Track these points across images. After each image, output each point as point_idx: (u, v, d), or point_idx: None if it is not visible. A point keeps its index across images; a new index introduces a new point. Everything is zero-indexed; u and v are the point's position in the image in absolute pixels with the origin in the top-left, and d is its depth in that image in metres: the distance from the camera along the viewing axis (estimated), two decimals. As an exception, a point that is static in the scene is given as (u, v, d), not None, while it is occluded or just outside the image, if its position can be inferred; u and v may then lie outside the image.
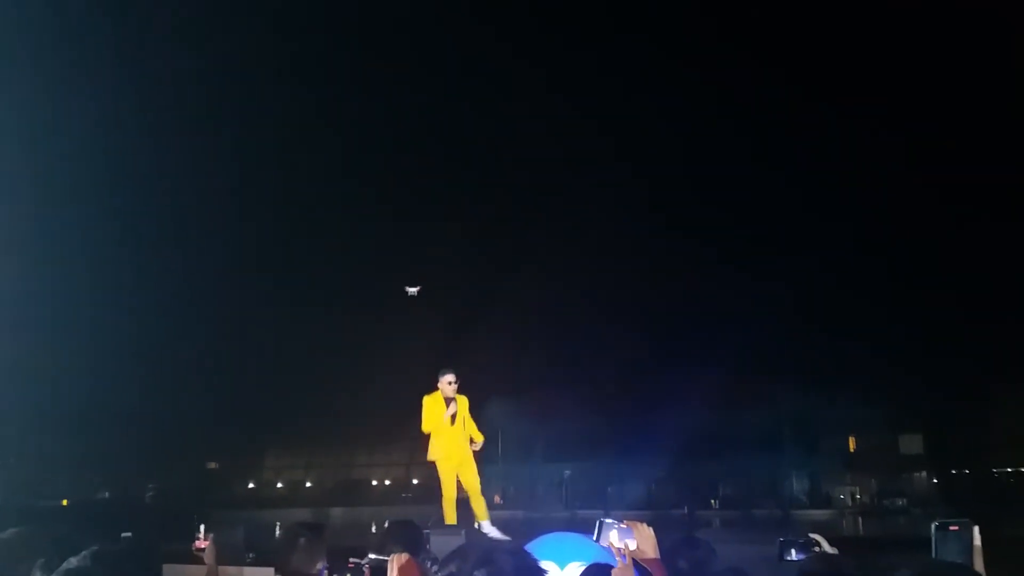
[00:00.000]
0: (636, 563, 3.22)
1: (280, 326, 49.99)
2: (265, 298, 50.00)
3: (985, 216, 42.30)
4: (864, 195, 46.31)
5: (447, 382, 9.26)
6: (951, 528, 3.37)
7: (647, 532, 3.33)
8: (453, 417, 9.23)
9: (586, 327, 46.99)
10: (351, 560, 3.97)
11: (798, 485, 49.32)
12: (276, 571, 4.15)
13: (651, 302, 47.58)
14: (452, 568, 2.41)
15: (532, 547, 5.25)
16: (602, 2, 49.24)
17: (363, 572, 3.72)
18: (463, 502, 9.57)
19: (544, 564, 2.68)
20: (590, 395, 44.43)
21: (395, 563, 3.01)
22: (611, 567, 3.28)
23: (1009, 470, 51.32)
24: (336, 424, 52.63)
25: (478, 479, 9.39)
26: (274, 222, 50.44)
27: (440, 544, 6.48)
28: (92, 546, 2.72)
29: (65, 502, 41.12)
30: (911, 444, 50.38)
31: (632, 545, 3.27)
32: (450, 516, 9.23)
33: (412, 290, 45.52)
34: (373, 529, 17.31)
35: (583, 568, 3.78)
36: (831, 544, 3.98)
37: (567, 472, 46.27)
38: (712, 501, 45.80)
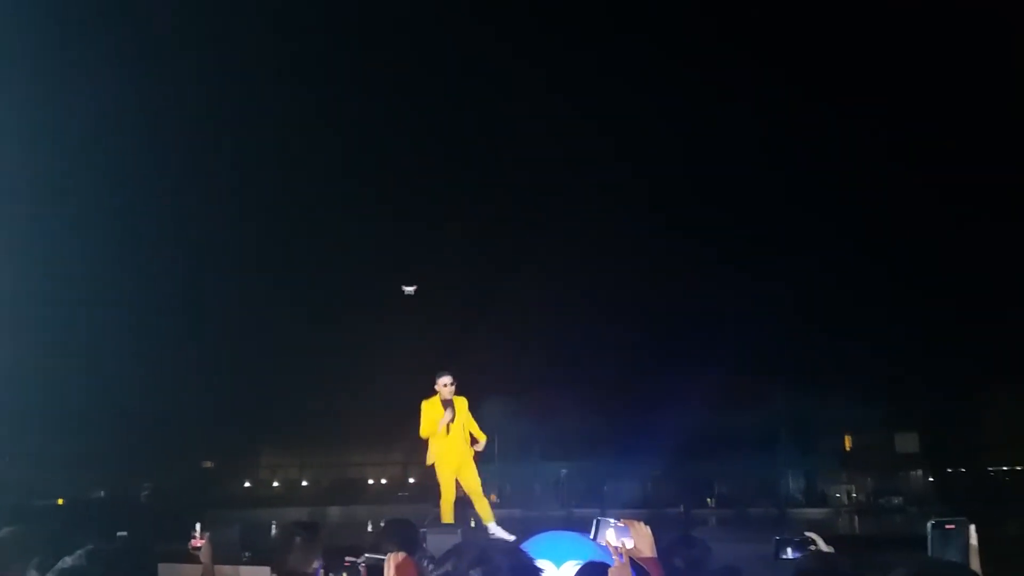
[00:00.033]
0: (633, 562, 3.22)
1: (277, 325, 49.98)
2: (262, 297, 49.94)
3: (982, 216, 42.38)
4: (864, 195, 46.37)
5: (443, 384, 9.26)
6: (947, 527, 3.37)
7: (644, 531, 3.33)
8: (449, 426, 9.23)
9: (585, 327, 46.99)
10: (347, 559, 3.97)
11: (794, 484, 49.39)
12: (272, 570, 4.15)
13: (651, 302, 47.60)
14: (448, 567, 2.41)
15: (528, 546, 5.24)
16: (602, 2, 49.22)
17: (359, 571, 3.72)
18: (461, 503, 9.57)
19: (540, 563, 2.67)
20: (587, 394, 44.43)
21: (392, 562, 3.00)
22: (607, 565, 3.28)
23: (1005, 469, 51.45)
24: (332, 423, 52.59)
25: (479, 481, 9.39)
26: (273, 221, 50.38)
27: (436, 543, 6.49)
28: (87, 545, 2.71)
29: (60, 501, 41.05)
30: (907, 443, 50.46)
31: (629, 544, 3.27)
32: (447, 516, 9.24)
33: (409, 289, 45.48)
34: (369, 528, 17.30)
35: (579, 567, 3.78)
36: (827, 542, 3.98)
37: (564, 471, 46.31)
38: (708, 500, 45.85)
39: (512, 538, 8.37)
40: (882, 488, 47.91)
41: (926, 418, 48.91)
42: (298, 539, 4.11)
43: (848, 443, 51.35)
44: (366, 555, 3.58)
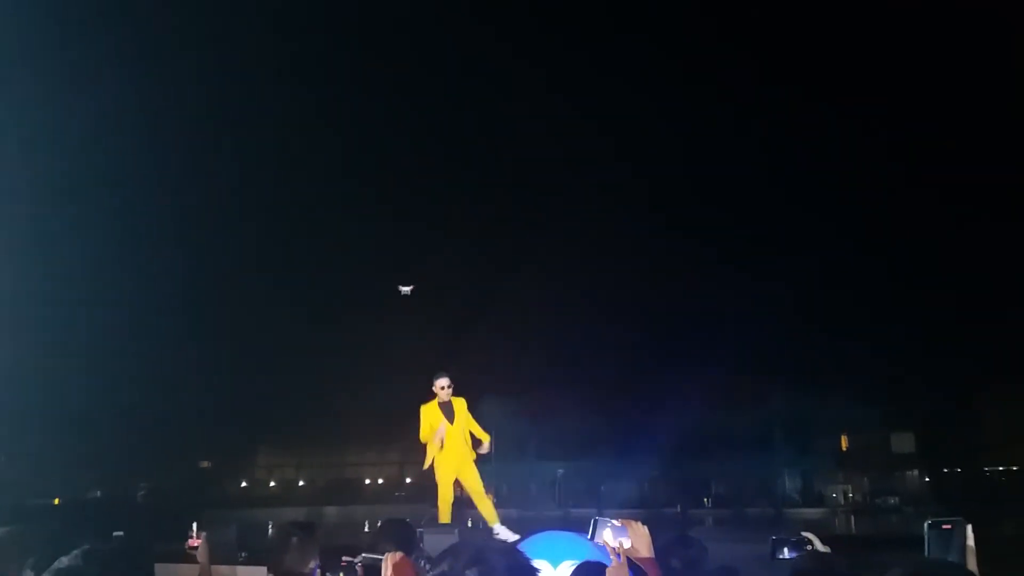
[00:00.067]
0: (630, 562, 3.22)
1: (274, 326, 49.94)
2: (261, 298, 49.93)
3: (981, 216, 42.45)
4: (864, 195, 46.42)
5: (441, 387, 9.23)
6: (944, 527, 3.37)
7: (642, 531, 3.33)
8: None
9: (584, 327, 46.99)
10: (344, 559, 3.96)
11: (790, 483, 49.42)
12: (269, 570, 4.14)
13: (651, 302, 47.61)
14: (444, 567, 2.40)
15: (525, 546, 5.24)
16: (602, 2, 49.24)
17: (356, 571, 3.71)
18: (458, 503, 9.56)
19: (537, 563, 2.67)
20: (585, 394, 44.44)
21: (389, 561, 3.00)
22: (604, 565, 3.28)
23: (1001, 469, 51.52)
24: (330, 423, 52.58)
25: (480, 481, 9.35)
26: (271, 221, 50.38)
27: (433, 543, 6.48)
28: (83, 545, 2.71)
29: (56, 501, 41.00)
30: (903, 443, 50.50)
31: (627, 544, 3.27)
32: (444, 516, 9.21)
33: (405, 289, 45.46)
34: (366, 528, 17.28)
35: (576, 566, 3.77)
36: (823, 542, 3.98)
37: (560, 471, 46.31)
38: (705, 500, 45.86)
39: (516, 538, 8.37)
40: (878, 488, 47.94)
41: (922, 418, 48.96)
42: (295, 539, 4.10)
43: (844, 443, 51.39)
44: (363, 555, 3.58)
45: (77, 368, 39.10)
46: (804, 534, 4.00)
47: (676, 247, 47.44)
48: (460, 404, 9.33)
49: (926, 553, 3.36)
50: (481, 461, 9.51)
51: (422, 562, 3.99)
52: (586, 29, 51.96)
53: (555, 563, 5.05)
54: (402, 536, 4.38)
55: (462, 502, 9.77)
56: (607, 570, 3.20)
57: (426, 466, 9.41)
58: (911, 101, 43.48)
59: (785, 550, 3.92)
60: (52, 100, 36.59)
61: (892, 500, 44.90)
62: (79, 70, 38.46)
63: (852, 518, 39.21)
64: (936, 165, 44.32)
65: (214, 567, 5.16)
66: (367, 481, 61.11)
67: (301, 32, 48.04)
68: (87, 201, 40.28)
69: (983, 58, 41.60)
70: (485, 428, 9.56)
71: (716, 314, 45.24)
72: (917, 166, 43.99)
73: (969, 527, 3.36)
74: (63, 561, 2.62)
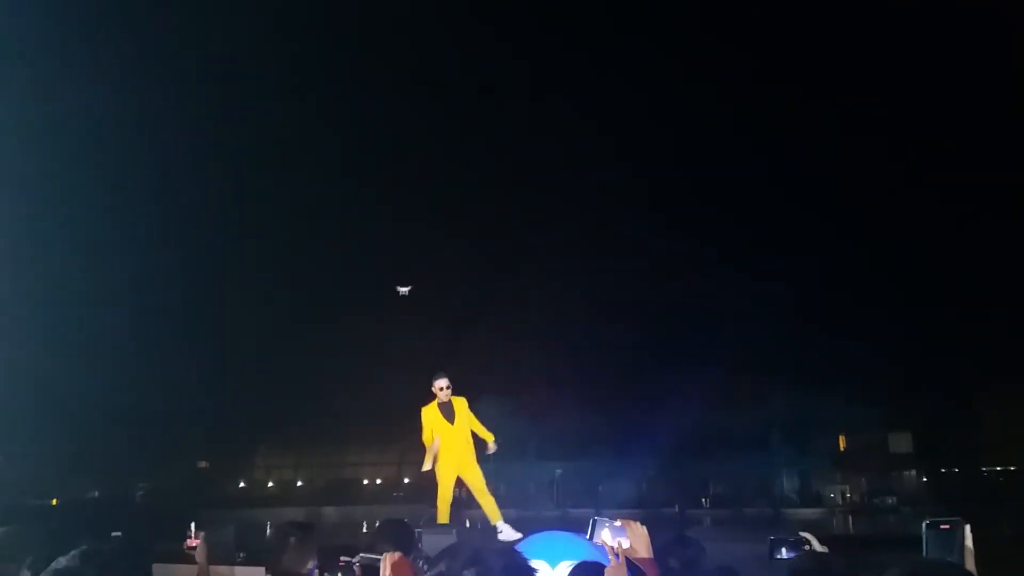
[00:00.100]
0: (629, 562, 3.22)
1: (273, 326, 49.94)
2: (259, 298, 49.93)
3: (980, 216, 42.45)
4: (864, 195, 46.40)
5: (440, 387, 9.22)
6: (942, 527, 3.37)
7: (640, 531, 3.33)
8: (450, 426, 9.21)
9: (583, 327, 46.96)
10: (342, 559, 3.96)
11: (789, 484, 49.43)
12: (267, 570, 4.14)
13: (651, 302, 47.59)
14: (441, 567, 2.41)
15: (523, 546, 5.24)
16: (602, 2, 49.23)
17: (354, 571, 3.71)
18: (456, 503, 9.55)
19: (535, 563, 2.67)
20: (583, 394, 44.44)
21: (388, 561, 3.00)
22: (602, 565, 3.28)
23: (999, 469, 51.53)
24: (328, 423, 52.56)
25: (483, 479, 9.35)
26: (269, 221, 50.32)
27: (432, 543, 6.47)
28: (81, 545, 2.71)
29: (55, 501, 40.97)
30: (901, 443, 50.55)
31: (625, 544, 3.27)
32: (443, 516, 9.21)
33: (403, 290, 45.37)
34: (365, 528, 17.28)
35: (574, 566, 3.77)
36: (821, 542, 3.99)
37: (559, 471, 46.29)
38: (703, 500, 45.88)
39: (519, 536, 8.37)
40: (876, 488, 47.97)
41: (920, 418, 48.97)
42: (293, 539, 4.10)
43: (842, 443, 51.41)
44: (361, 555, 3.57)
45: (75, 368, 39.06)
46: (802, 534, 4.00)
47: (676, 247, 47.44)
48: (461, 404, 9.32)
49: (924, 553, 3.36)
50: (480, 460, 9.51)
51: (420, 562, 3.99)
52: (586, 29, 51.97)
53: (553, 563, 5.04)
54: (400, 536, 4.38)
55: (461, 502, 9.77)
56: (606, 570, 3.20)
57: (425, 468, 9.41)
58: (911, 101, 43.54)
59: (783, 550, 3.92)
60: (51, 99, 36.57)
61: (890, 500, 44.93)
62: (77, 69, 38.46)
63: (850, 518, 39.25)
64: (936, 165, 44.32)
65: (212, 567, 5.15)
66: (365, 481, 61.09)
67: (300, 32, 48.03)
68: (85, 201, 40.27)
69: (983, 58, 41.65)
70: (485, 427, 9.56)
71: (716, 314, 45.26)
72: (917, 166, 44.01)
73: (967, 527, 3.36)
74: (61, 561, 2.63)
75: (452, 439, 9.21)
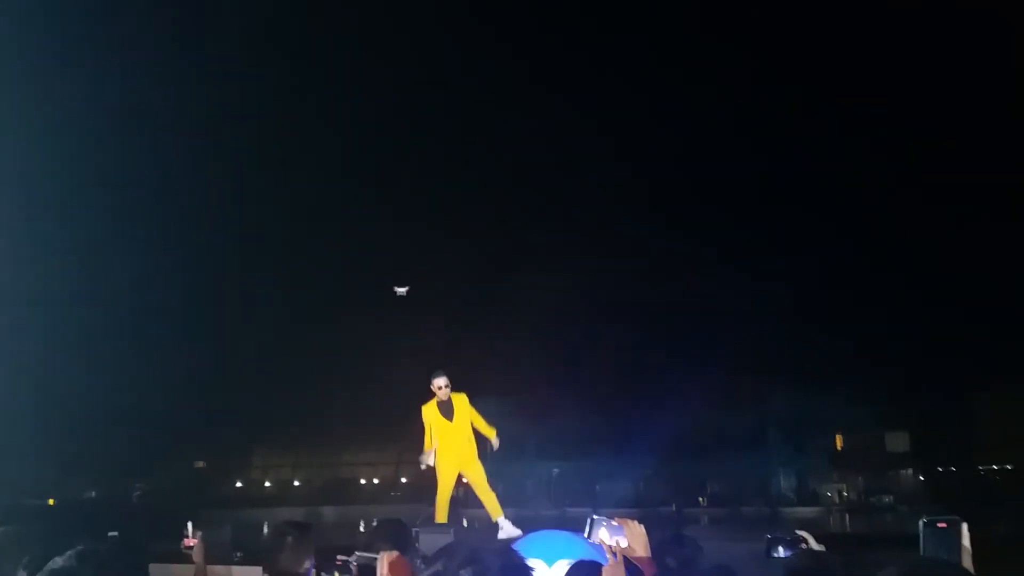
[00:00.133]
0: (627, 561, 3.22)
1: (270, 325, 49.91)
2: (256, 297, 49.91)
3: (979, 216, 42.47)
4: (863, 195, 46.39)
5: (438, 386, 9.22)
6: (939, 525, 3.37)
7: (638, 530, 3.34)
8: (449, 421, 9.21)
9: (581, 327, 46.93)
10: (339, 558, 3.96)
11: (786, 483, 49.46)
12: (264, 570, 4.14)
13: (651, 302, 47.57)
14: (438, 566, 2.41)
15: (520, 545, 5.24)
16: (602, 2, 49.17)
17: (351, 570, 3.71)
18: (454, 502, 9.56)
19: (532, 562, 2.67)
20: (581, 394, 44.45)
21: (385, 560, 3.00)
22: (598, 564, 3.28)
23: (996, 468, 51.60)
24: (325, 423, 52.55)
25: (484, 475, 9.36)
26: (266, 221, 50.26)
27: (429, 542, 6.48)
28: (78, 545, 2.70)
29: (51, 501, 40.94)
30: (898, 442, 50.61)
31: (623, 543, 3.27)
32: (441, 515, 9.21)
33: (401, 290, 45.40)
34: (362, 528, 17.27)
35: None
36: (818, 541, 3.99)
37: (556, 470, 46.32)
38: (700, 499, 45.89)
39: (519, 532, 8.38)
40: (873, 487, 48.01)
41: (917, 417, 49.02)
42: (290, 539, 4.10)
43: (839, 442, 51.46)
44: (357, 553, 3.58)
45: (72, 368, 39.03)
46: (799, 533, 4.01)
47: (676, 247, 47.39)
48: (460, 401, 9.31)
49: (921, 552, 3.36)
50: (481, 457, 9.51)
51: (417, 561, 3.99)
52: (586, 29, 51.91)
53: (550, 562, 5.04)
54: (397, 536, 4.38)
55: (458, 502, 9.78)
56: (604, 569, 3.20)
57: (423, 466, 9.42)
58: (911, 101, 43.52)
59: (780, 549, 3.92)
60: (50, 97, 36.53)
61: (887, 499, 44.96)
62: (76, 68, 38.38)
63: (847, 517, 39.30)
64: (935, 165, 44.32)
65: (209, 567, 5.15)
66: (363, 481, 61.08)
67: (300, 31, 47.97)
68: (82, 200, 40.22)
69: (983, 58, 41.66)
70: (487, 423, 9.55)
71: (716, 314, 45.22)
72: (917, 166, 44.02)
73: (965, 526, 3.36)
74: (57, 561, 2.62)
75: (451, 437, 9.22)
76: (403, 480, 55.72)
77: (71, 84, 38.02)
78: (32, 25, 33.86)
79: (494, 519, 9.23)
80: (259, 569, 4.22)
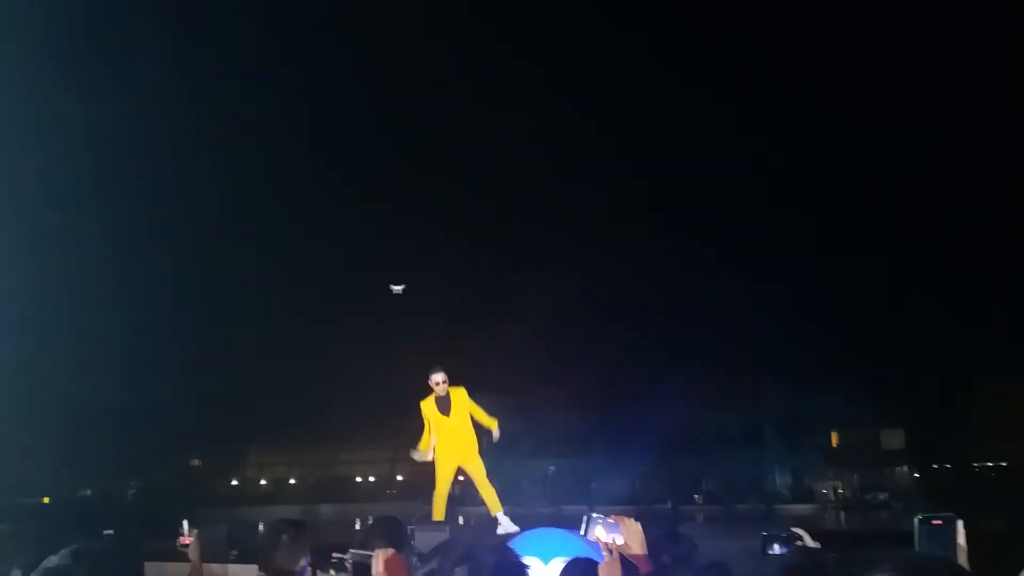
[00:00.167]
0: (623, 558, 3.23)
1: (266, 323, 49.84)
2: (251, 295, 49.80)
3: (977, 216, 42.53)
4: (863, 195, 46.43)
5: (436, 382, 9.24)
6: (934, 522, 3.37)
7: (634, 527, 3.34)
8: (448, 416, 9.22)
9: (578, 325, 46.93)
10: (334, 555, 3.96)
11: (781, 480, 49.55)
12: (260, 568, 4.13)
13: (650, 302, 47.57)
14: (433, 564, 2.41)
15: (516, 543, 5.25)
16: (602, 2, 49.06)
17: (347, 568, 3.70)
18: (450, 500, 9.57)
19: (528, 560, 2.67)
20: (578, 392, 44.47)
21: (380, 558, 3.00)
22: (594, 561, 3.28)
23: (991, 465, 51.75)
24: (321, 421, 52.52)
25: (483, 470, 9.39)
26: (263, 220, 50.17)
27: (425, 540, 6.48)
28: (72, 544, 2.69)
29: (46, 499, 40.87)
30: (893, 439, 50.72)
31: (619, 540, 3.27)
32: (439, 512, 9.23)
33: (397, 288, 45.35)
34: (357, 526, 17.28)
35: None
36: (814, 538, 4.00)
37: (552, 467, 46.29)
38: (696, 496, 45.95)
39: (517, 529, 8.40)
40: (869, 484, 48.11)
41: (912, 415, 49.13)
42: (285, 537, 4.10)
43: (835, 440, 51.56)
44: (351, 551, 3.57)
45: (67, 366, 38.97)
46: (794, 530, 4.01)
47: (676, 247, 47.38)
48: (458, 395, 9.32)
49: (916, 549, 3.36)
50: (482, 451, 9.53)
51: (413, 559, 3.99)
52: (586, 29, 51.81)
53: (546, 560, 5.05)
54: (393, 533, 4.38)
55: (455, 499, 9.80)
56: (600, 566, 3.20)
57: (423, 459, 9.43)
58: (911, 101, 43.52)
59: (776, 546, 3.93)
60: (42, 96, 36.39)
61: (882, 496, 45.06)
62: (71, 67, 38.30)
63: (842, 514, 39.38)
64: (935, 165, 44.34)
65: (205, 565, 5.14)
66: (358, 479, 61.08)
67: (300, 31, 47.85)
68: (76, 198, 40.14)
69: (983, 58, 41.63)
70: (477, 424, 9.56)
71: (715, 314, 45.22)
72: (917, 167, 44.06)
73: (960, 523, 3.36)
74: (52, 560, 2.61)
75: (449, 432, 9.24)
76: (399, 478, 55.69)
77: (69, 84, 37.95)
78: (31, 26, 33.79)
79: (493, 514, 9.25)
80: (255, 567, 4.22)
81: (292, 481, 61.91)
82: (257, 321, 49.55)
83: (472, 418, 9.40)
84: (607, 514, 3.45)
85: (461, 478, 9.83)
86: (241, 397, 49.71)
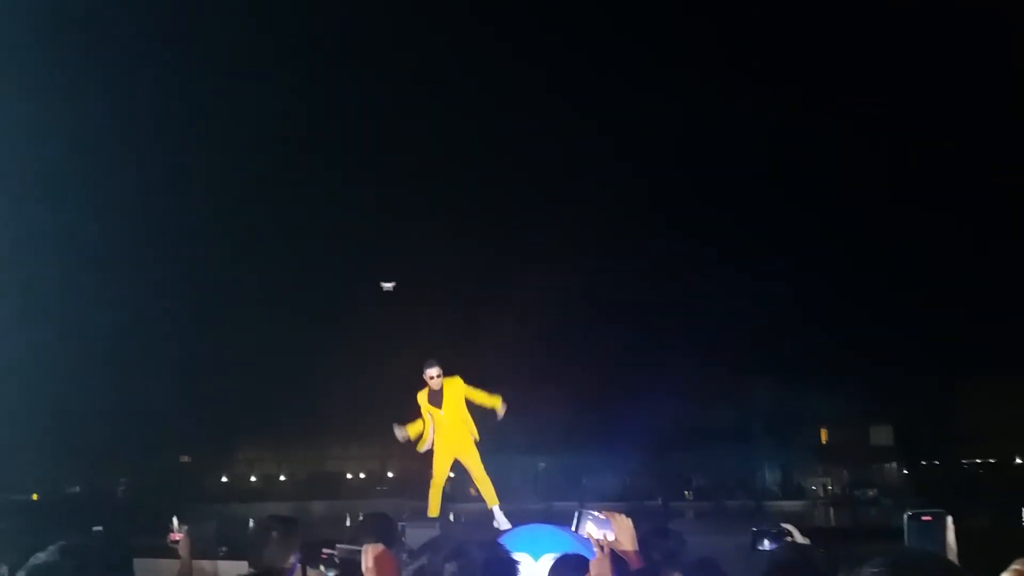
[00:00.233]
0: (614, 554, 3.23)
1: (256, 320, 49.71)
2: (242, 293, 49.67)
3: (973, 216, 42.69)
4: (863, 196, 46.51)
5: (430, 376, 9.23)
6: (923, 518, 3.38)
7: (625, 523, 3.33)
8: (442, 410, 9.22)
9: (573, 323, 46.92)
10: (324, 551, 3.95)
11: (771, 476, 49.79)
12: (249, 564, 4.12)
13: (651, 302, 47.59)
14: (423, 560, 2.41)
15: (506, 539, 5.25)
16: (602, 2, 48.99)
17: (336, 563, 3.70)
18: (445, 497, 9.57)
19: (518, 556, 2.67)
20: (569, 389, 44.48)
21: (370, 553, 2.99)
22: (583, 557, 3.29)
23: (978, 461, 52.04)
24: (311, 418, 52.42)
25: (480, 462, 9.40)
26: (263, 220, 50.05)
27: (415, 536, 6.47)
28: (61, 540, 2.67)
29: (35, 496, 40.76)
30: (882, 435, 50.98)
31: (610, 536, 3.27)
32: (434, 507, 9.24)
33: (388, 285, 45.21)
34: (348, 522, 17.29)
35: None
36: (803, 534, 4.00)
37: (542, 464, 46.39)
38: (686, 492, 46.09)
39: (509, 526, 8.41)
40: (858, 480, 48.35)
41: (901, 411, 49.34)
42: (275, 533, 4.09)
43: (824, 436, 51.79)
44: (339, 546, 3.57)
45: (55, 363, 38.81)
46: (784, 526, 4.02)
47: (676, 247, 47.38)
48: (452, 386, 9.27)
49: (906, 544, 3.37)
50: (482, 440, 9.53)
51: (403, 555, 3.98)
52: (586, 29, 51.66)
53: (536, 556, 5.05)
54: (383, 529, 4.38)
55: (446, 496, 9.79)
56: (591, 563, 3.20)
57: (422, 449, 9.44)
58: (911, 101, 43.57)
59: (765, 542, 3.93)
60: (38, 95, 36.23)
61: (871, 492, 45.28)
62: (70, 67, 38.13)
63: (832, 510, 39.54)
64: (935, 165, 44.44)
65: (195, 562, 5.14)
66: (348, 476, 61.06)
67: (300, 31, 47.68)
68: (72, 196, 39.94)
69: (983, 58, 41.68)
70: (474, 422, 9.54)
71: (715, 314, 45.25)
72: (917, 167, 44.14)
73: (949, 519, 3.37)
74: (40, 556, 2.59)
75: (442, 425, 9.24)
76: (389, 475, 55.73)
77: (69, 83, 37.82)
78: (33, 28, 33.60)
79: (490, 506, 9.27)
80: (244, 564, 4.21)
81: (282, 478, 61.88)
82: (248, 319, 49.45)
83: (475, 404, 9.37)
84: (598, 510, 3.45)
85: (452, 474, 9.82)
86: (231, 394, 49.60)
